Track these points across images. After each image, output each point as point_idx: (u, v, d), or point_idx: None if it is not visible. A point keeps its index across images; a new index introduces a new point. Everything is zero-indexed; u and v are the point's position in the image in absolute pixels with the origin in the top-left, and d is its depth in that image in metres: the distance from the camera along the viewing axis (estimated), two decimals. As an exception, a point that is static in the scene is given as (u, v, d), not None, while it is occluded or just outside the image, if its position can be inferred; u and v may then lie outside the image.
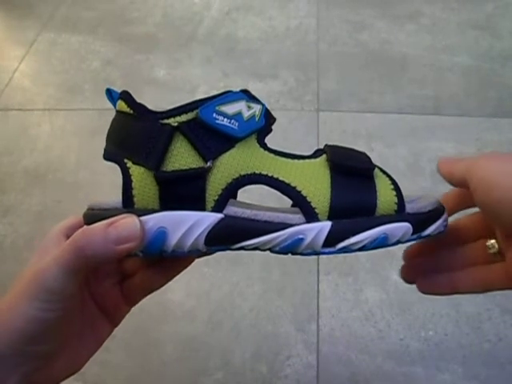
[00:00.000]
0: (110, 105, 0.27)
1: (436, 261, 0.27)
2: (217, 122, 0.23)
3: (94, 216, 0.23)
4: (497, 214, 0.20)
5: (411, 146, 0.82)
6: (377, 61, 0.99)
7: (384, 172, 0.26)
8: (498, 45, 1.01)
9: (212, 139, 0.23)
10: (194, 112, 0.23)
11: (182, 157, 0.23)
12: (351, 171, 0.24)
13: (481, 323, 0.63)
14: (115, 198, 0.24)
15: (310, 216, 0.23)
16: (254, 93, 0.27)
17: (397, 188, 0.25)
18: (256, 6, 1.15)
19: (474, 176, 0.20)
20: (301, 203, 0.23)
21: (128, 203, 0.23)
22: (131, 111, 0.24)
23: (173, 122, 0.23)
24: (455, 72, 0.96)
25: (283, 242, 0.23)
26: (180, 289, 0.69)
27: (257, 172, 0.23)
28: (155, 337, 0.65)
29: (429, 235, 0.24)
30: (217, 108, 0.23)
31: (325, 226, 0.23)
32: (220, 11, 1.15)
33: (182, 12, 1.16)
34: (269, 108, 0.26)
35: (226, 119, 0.23)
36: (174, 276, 0.27)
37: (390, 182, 0.25)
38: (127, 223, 0.21)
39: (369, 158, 0.26)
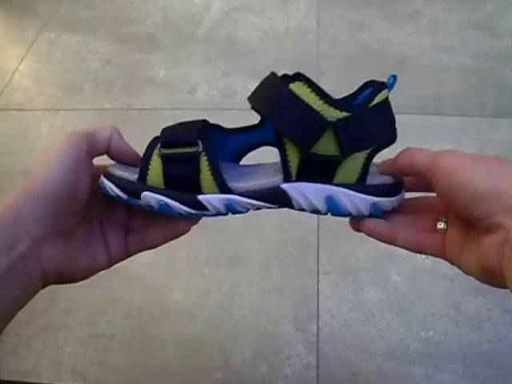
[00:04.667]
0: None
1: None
2: None
3: None
4: (456, 199, 0.24)
5: (411, 146, 0.82)
6: (377, 61, 0.99)
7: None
8: (497, 45, 1.01)
9: None
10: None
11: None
12: None
13: (481, 323, 0.63)
14: None
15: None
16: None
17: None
18: (256, 6, 1.15)
19: (443, 166, 0.25)
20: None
21: None
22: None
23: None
24: (455, 72, 0.96)
25: None
26: (180, 289, 0.69)
27: None
28: (155, 337, 0.65)
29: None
30: None
31: None
32: (220, 11, 1.15)
33: (182, 12, 1.16)
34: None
35: None
36: (170, 239, 0.32)
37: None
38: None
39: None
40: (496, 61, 0.97)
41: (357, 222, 0.30)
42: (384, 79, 0.28)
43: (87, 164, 0.28)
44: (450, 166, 0.25)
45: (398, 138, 0.29)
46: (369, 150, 0.27)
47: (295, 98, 0.26)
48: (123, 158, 0.31)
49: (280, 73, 0.27)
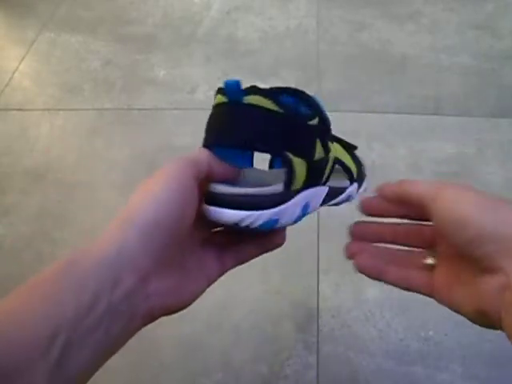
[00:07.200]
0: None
1: (376, 248, 0.31)
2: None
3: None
4: (454, 232, 0.24)
5: (411, 146, 0.82)
6: (377, 61, 0.99)
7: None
8: (497, 45, 1.01)
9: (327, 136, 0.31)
10: (317, 117, 0.29)
11: (319, 150, 0.30)
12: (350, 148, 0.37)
13: (481, 323, 0.63)
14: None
15: (353, 179, 0.36)
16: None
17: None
18: (256, 6, 1.15)
19: (445, 198, 0.24)
20: (349, 174, 0.35)
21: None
22: (280, 110, 0.26)
23: (312, 124, 0.28)
24: (455, 72, 0.96)
25: (342, 200, 0.35)
26: (180, 289, 0.69)
27: (337, 157, 0.33)
28: (154, 338, 0.65)
29: None
30: None
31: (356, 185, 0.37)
32: (220, 11, 1.15)
33: (182, 12, 1.16)
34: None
35: None
36: (265, 252, 0.32)
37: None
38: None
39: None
40: (496, 61, 0.97)
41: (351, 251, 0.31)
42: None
43: (194, 189, 0.26)
44: (453, 201, 0.24)
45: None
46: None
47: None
48: (226, 176, 0.28)
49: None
